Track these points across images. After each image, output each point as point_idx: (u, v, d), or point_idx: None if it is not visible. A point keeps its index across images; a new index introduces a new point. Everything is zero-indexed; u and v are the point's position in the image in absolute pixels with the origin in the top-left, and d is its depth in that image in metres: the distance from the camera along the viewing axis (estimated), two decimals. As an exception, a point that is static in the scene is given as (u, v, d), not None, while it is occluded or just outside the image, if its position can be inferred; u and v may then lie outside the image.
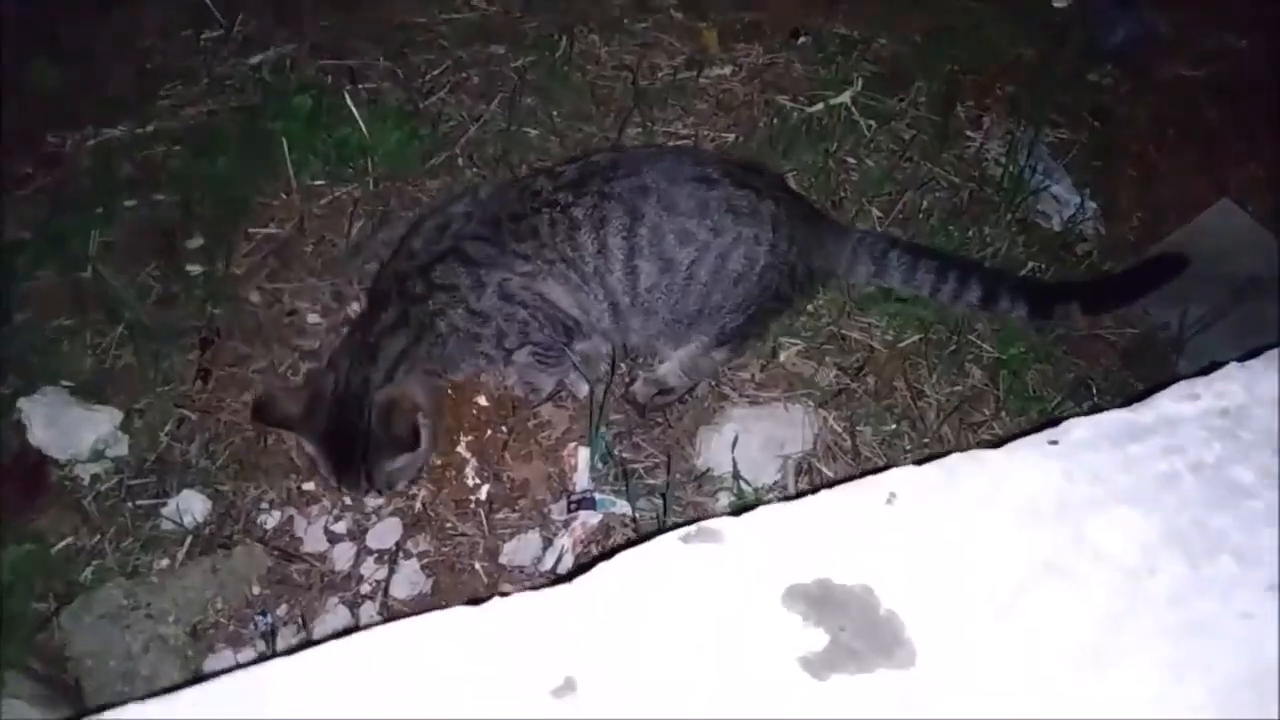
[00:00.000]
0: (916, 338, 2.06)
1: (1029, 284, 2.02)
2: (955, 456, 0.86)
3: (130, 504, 1.77)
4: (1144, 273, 2.03)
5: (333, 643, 0.74)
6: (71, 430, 1.80)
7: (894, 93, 2.47)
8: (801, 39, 2.58)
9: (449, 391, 1.90)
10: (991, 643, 0.70)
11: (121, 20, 2.50)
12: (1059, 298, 1.99)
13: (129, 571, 1.70)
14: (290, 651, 0.76)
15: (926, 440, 1.96)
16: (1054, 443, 0.87)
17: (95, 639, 1.61)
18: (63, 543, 1.72)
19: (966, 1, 2.70)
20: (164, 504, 1.77)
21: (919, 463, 0.87)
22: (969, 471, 0.85)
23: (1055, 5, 2.74)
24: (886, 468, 1.85)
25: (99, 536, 1.73)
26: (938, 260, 1.95)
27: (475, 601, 0.76)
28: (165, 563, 1.72)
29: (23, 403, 1.81)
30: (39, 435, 1.79)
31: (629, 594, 0.76)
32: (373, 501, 1.83)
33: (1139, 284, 2.01)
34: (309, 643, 1.56)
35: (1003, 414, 1.99)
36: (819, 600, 0.72)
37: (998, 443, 0.89)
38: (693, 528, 0.81)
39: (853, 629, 0.70)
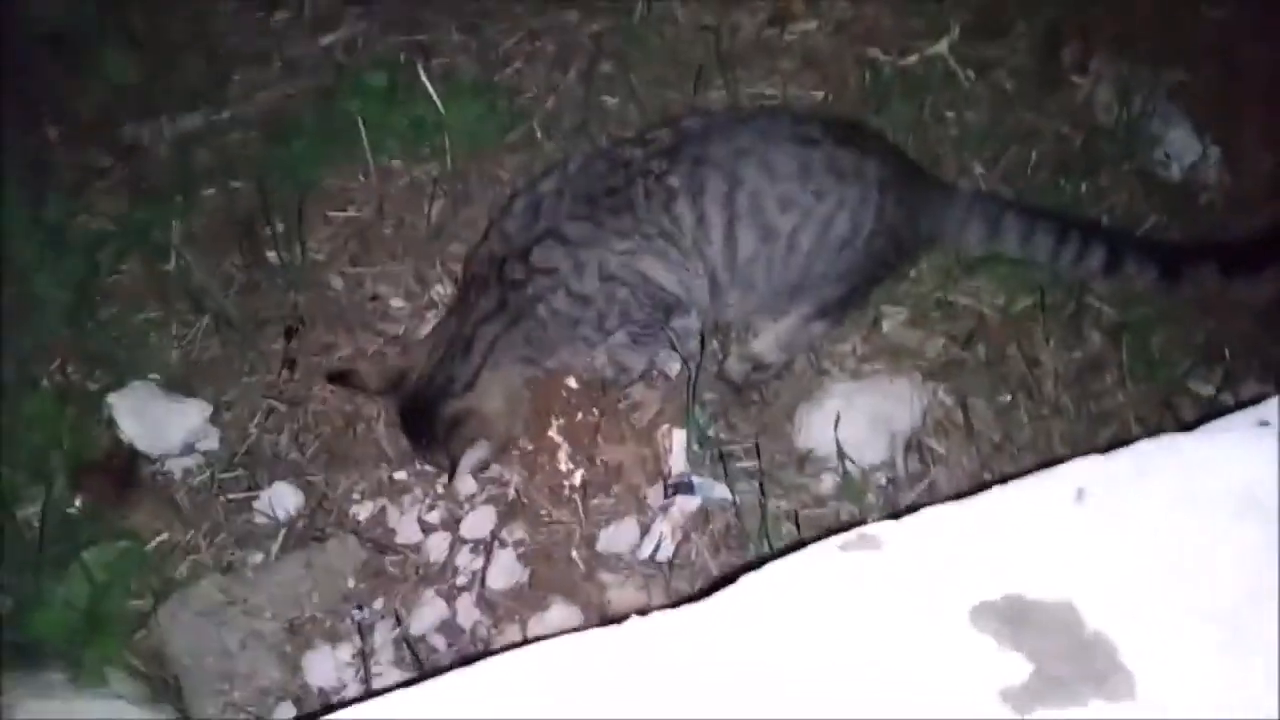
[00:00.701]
0: (1030, 301, 1.92)
1: (1158, 245, 1.87)
2: (1146, 443, 0.75)
3: (223, 498, 1.75)
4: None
5: (458, 672, 0.66)
6: (161, 424, 1.78)
7: (993, 39, 2.31)
8: (891, -12, 2.43)
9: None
10: (1224, 666, 0.60)
11: (191, 6, 2.46)
12: (1193, 259, 1.83)
13: (224, 567, 1.67)
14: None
15: (1045, 412, 1.83)
16: (1264, 423, 0.75)
17: (193, 636, 1.59)
18: (157, 539, 1.70)
19: (1067, -62, 2.52)
20: (256, 497, 1.74)
21: (1105, 450, 0.76)
22: (1165, 460, 0.73)
23: (1166, -63, 2.54)
24: (1002, 443, 1.75)
25: (193, 532, 1.71)
26: (1057, 222, 1.81)
27: (607, 620, 0.68)
28: (260, 557, 1.69)
29: (112, 398, 1.80)
30: (129, 430, 1.77)
31: (781, 612, 0.67)
32: (465, 490, 1.77)
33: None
34: (406, 640, 1.54)
35: (1127, 382, 1.86)
36: (1013, 619, 0.62)
37: (1188, 425, 0.77)
38: (851, 534, 0.72)
39: (1055, 653, 0.60)
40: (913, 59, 2.25)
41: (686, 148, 1.65)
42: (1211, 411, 1.69)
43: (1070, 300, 1.92)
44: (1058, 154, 2.12)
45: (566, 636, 0.69)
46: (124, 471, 1.76)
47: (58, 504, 1.69)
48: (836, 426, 1.74)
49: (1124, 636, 0.61)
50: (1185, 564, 0.65)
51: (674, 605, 0.72)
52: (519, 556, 1.71)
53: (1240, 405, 1.78)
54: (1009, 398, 1.85)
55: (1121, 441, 0.79)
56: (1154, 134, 2.13)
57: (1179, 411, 1.83)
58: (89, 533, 1.67)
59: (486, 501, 1.77)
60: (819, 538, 0.73)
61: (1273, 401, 0.78)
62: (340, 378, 1.78)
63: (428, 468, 1.79)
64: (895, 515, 0.75)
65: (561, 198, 1.70)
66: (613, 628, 0.69)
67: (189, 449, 1.78)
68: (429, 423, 1.71)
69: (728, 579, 0.72)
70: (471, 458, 1.70)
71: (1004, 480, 0.76)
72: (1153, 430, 1.77)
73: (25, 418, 1.77)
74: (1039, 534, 0.69)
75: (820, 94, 2.23)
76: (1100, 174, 2.08)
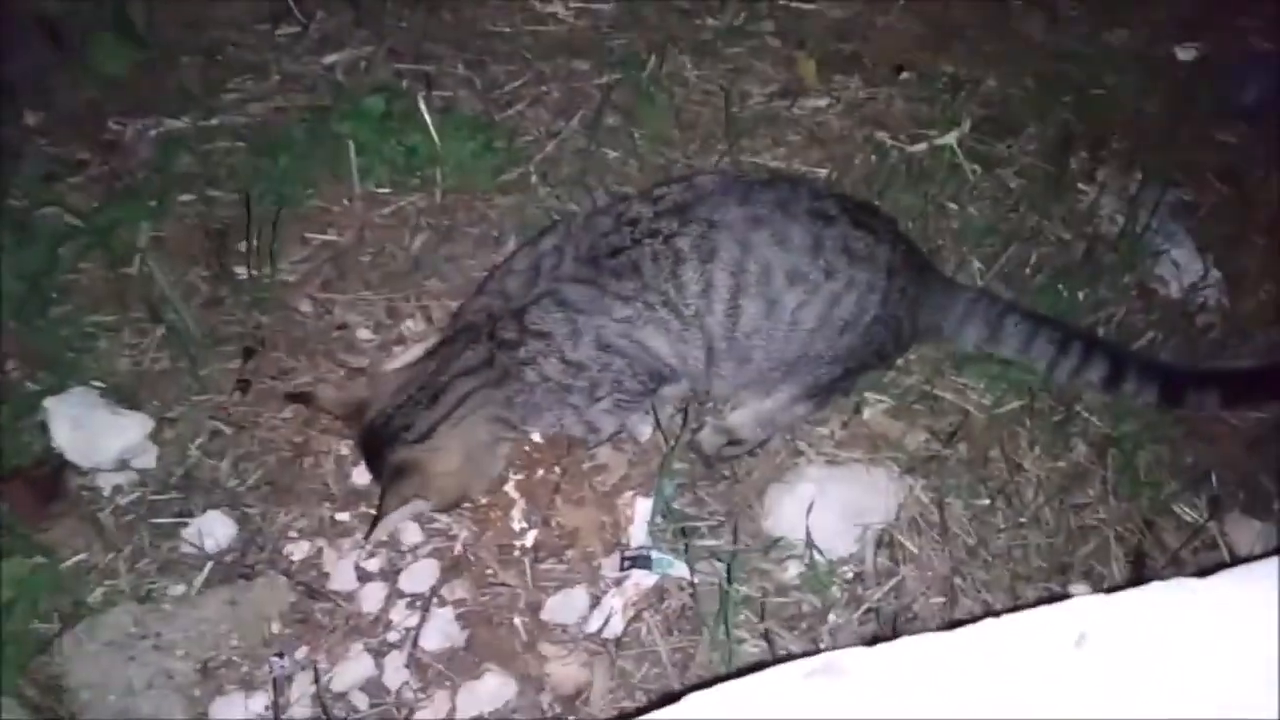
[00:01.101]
0: (1018, 404, 1.86)
1: (1161, 366, 1.82)
2: (1156, 586, 0.67)
3: (150, 521, 1.64)
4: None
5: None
6: (97, 436, 1.68)
7: (1002, 138, 2.29)
8: (905, 75, 2.41)
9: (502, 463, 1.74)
10: None
11: (196, 7, 2.40)
12: (1196, 384, 1.78)
13: (142, 596, 1.56)
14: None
15: (1023, 520, 1.76)
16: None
17: (97, 668, 1.47)
18: (74, 558, 1.59)
19: (1084, 48, 2.52)
20: (186, 524, 1.63)
21: (1109, 591, 0.68)
22: (1177, 605, 0.65)
23: (1180, 57, 2.55)
24: (976, 548, 1.68)
25: (113, 555, 1.60)
26: (1060, 331, 1.76)
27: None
28: (181, 589, 1.58)
29: (49, 402, 1.69)
30: (62, 438, 1.67)
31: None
32: (410, 539, 1.67)
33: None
34: (322, 700, 1.42)
35: (1110, 498, 1.79)
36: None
37: (1203, 571, 0.70)
38: (818, 660, 0.63)
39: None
40: (921, 147, 2.21)
41: (698, 208, 1.58)
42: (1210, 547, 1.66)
43: (1059, 408, 1.85)
44: (1058, 258, 2.08)
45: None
46: (50, 482, 1.65)
47: (-28, 509, 1.57)
48: (808, 514, 1.65)
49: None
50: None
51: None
52: (458, 617, 1.61)
53: (1223, 535, 1.75)
54: (988, 501, 1.77)
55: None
56: (1156, 249, 2.09)
57: (1160, 535, 1.77)
58: (3, 544, 1.55)
59: (430, 554, 1.67)
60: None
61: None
62: (299, 398, 1.70)
63: (373, 510, 1.69)
64: (871, 641, 0.67)
65: (563, 256, 1.62)
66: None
67: (123, 465, 1.68)
68: (378, 461, 1.61)
69: (670, 697, 0.62)
70: (396, 516, 1.58)
71: (996, 614, 0.67)
72: (1130, 551, 1.73)
73: (-46, 415, 1.66)
74: (1034, 679, 0.60)
75: (825, 171, 2.19)
76: (1099, 283, 2.04)
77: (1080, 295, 2.01)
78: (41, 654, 1.48)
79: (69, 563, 1.58)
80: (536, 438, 1.79)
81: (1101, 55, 2.52)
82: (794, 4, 2.55)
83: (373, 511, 1.68)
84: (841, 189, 2.13)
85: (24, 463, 1.66)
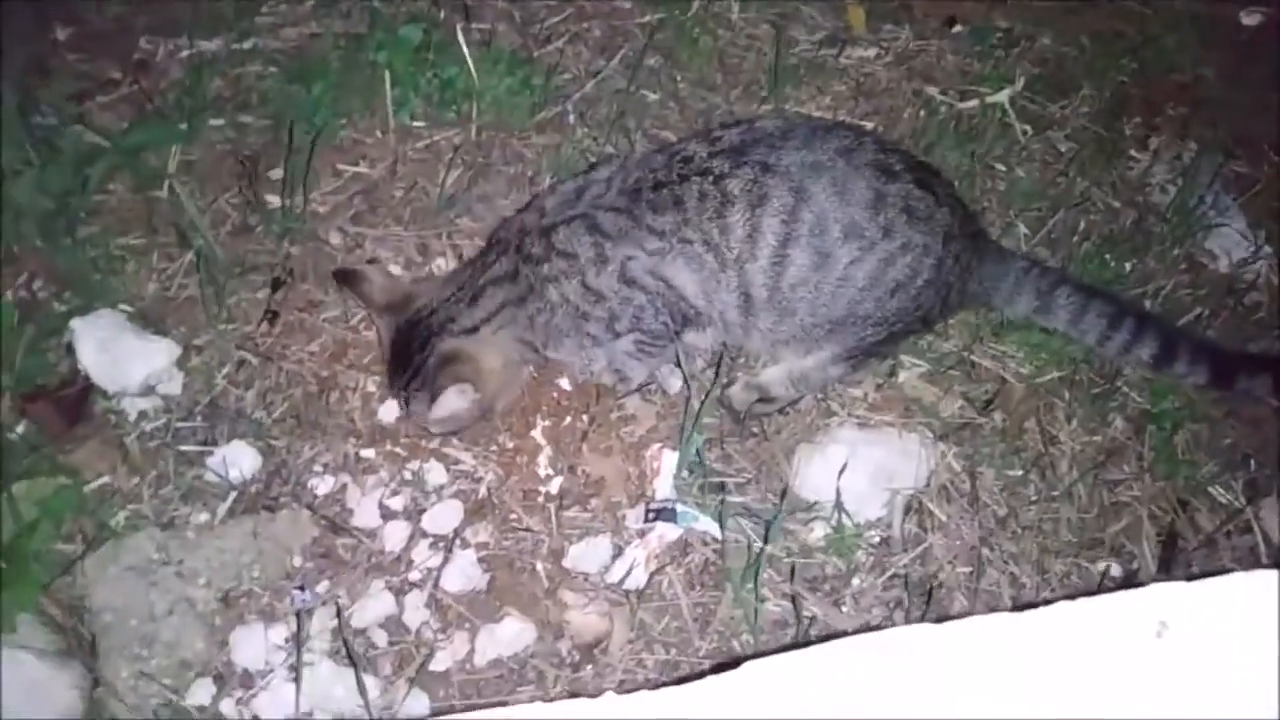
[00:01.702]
0: (1056, 375, 1.83)
1: (1213, 348, 1.77)
2: (1238, 575, 0.64)
3: (175, 448, 1.62)
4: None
5: None
6: (124, 360, 1.66)
7: (1055, 99, 2.21)
8: (957, 28, 2.34)
9: (534, 372, 1.73)
10: None
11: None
12: (1246, 368, 1.74)
13: (164, 522, 1.56)
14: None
15: (1055, 494, 1.73)
16: None
17: (119, 592, 1.47)
18: (98, 481, 1.58)
19: (1143, 8, 2.43)
20: (210, 453, 1.62)
21: (1189, 579, 0.65)
22: (1259, 595, 0.62)
23: (1244, 22, 2.45)
24: (1007, 519, 1.65)
25: (137, 479, 1.59)
26: (1113, 306, 1.71)
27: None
28: (204, 518, 1.57)
29: (76, 323, 1.68)
30: (88, 360, 1.65)
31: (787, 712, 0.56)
32: (435, 479, 1.66)
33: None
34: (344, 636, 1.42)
35: (1145, 475, 1.76)
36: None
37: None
38: (886, 634, 0.60)
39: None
40: (971, 104, 2.14)
41: (755, 151, 1.53)
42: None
43: (1100, 381, 1.81)
44: (1106, 226, 2.03)
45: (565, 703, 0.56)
46: (75, 403, 1.64)
47: (3, 428, 1.56)
48: (840, 475, 1.63)
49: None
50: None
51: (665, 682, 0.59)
52: (480, 559, 1.60)
53: (1257, 519, 1.71)
54: (1021, 472, 1.75)
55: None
56: (1208, 223, 2.03)
57: (1194, 516, 1.74)
58: (28, 462, 1.54)
59: (454, 495, 1.65)
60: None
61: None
62: (347, 277, 1.68)
63: (398, 449, 1.68)
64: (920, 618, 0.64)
65: (609, 186, 1.59)
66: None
67: (148, 390, 1.66)
68: (421, 353, 1.59)
69: (726, 665, 0.60)
70: (453, 398, 1.58)
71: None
72: (1163, 531, 1.70)
73: (-19, 331, 1.65)
74: (1115, 671, 0.57)
75: (871, 125, 2.13)
76: (1148, 255, 1.98)
77: (1127, 266, 1.96)
78: (64, 575, 1.47)
79: (93, 485, 1.58)
80: (565, 384, 1.77)
81: (1162, 16, 2.42)
82: (846, -52, 2.46)
83: (398, 451, 1.68)
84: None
85: (50, 383, 1.65)
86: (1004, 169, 2.09)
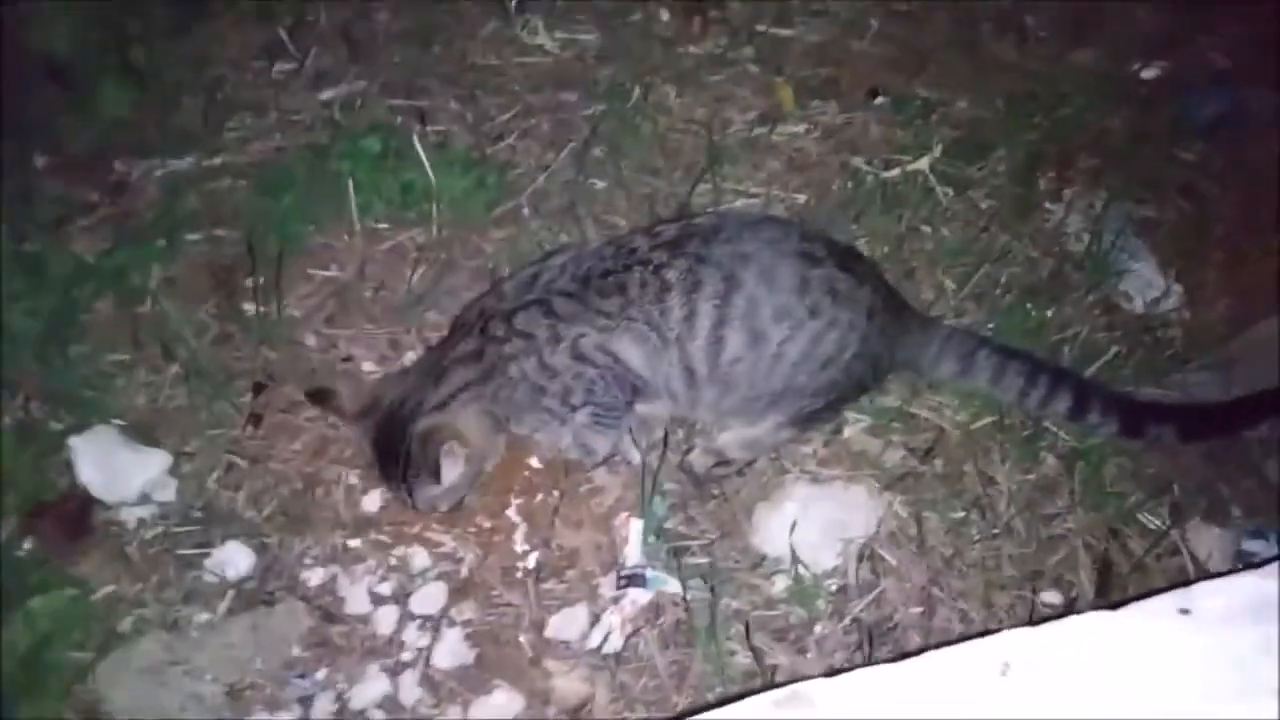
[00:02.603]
0: (989, 420, 1.97)
1: (1122, 400, 1.91)
2: (1073, 620, 0.78)
3: (174, 552, 1.73)
4: (1249, 407, 1.91)
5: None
6: (120, 472, 1.77)
7: (973, 160, 2.38)
8: (879, 99, 2.51)
9: (502, 448, 1.85)
10: None
11: (195, 45, 2.49)
12: (1153, 418, 1.89)
13: (169, 624, 1.66)
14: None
15: (996, 531, 1.87)
16: (1185, 611, 0.79)
17: (133, 695, 1.57)
18: (104, 590, 1.69)
19: (1052, 68, 2.62)
20: (208, 554, 1.73)
21: (1032, 624, 0.79)
22: (1091, 638, 0.76)
23: (1143, 76, 2.65)
24: (953, 559, 1.78)
25: (141, 585, 1.70)
26: (1028, 364, 1.86)
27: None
28: (206, 616, 1.68)
29: (73, 440, 1.79)
30: (87, 475, 1.76)
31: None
32: (419, 563, 1.78)
33: (1243, 418, 1.91)
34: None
35: (1078, 508, 1.90)
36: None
37: (1114, 605, 0.81)
38: (784, 692, 0.74)
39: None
40: (895, 172, 2.31)
41: (691, 243, 1.69)
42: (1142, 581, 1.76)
43: (1029, 423, 1.96)
44: (1027, 277, 2.18)
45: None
46: (77, 517, 1.74)
47: (7, 546, 1.66)
48: (792, 531, 1.76)
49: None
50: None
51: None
52: (467, 636, 1.71)
53: (1184, 541, 1.86)
54: (963, 514, 1.88)
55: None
56: (1120, 267, 2.20)
57: (1126, 541, 1.88)
58: (37, 577, 1.64)
59: (438, 577, 1.77)
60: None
61: (1195, 589, 0.82)
62: (319, 396, 1.80)
63: (383, 537, 1.80)
64: (830, 673, 0.77)
65: (563, 273, 1.75)
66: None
67: (145, 499, 1.78)
68: (402, 443, 1.70)
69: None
70: (450, 464, 1.69)
71: (936, 646, 0.78)
72: (1098, 559, 1.84)
73: (-16, 455, 1.76)
74: (964, 705, 0.71)
75: (803, 197, 2.29)
76: (1066, 301, 2.14)
77: (1048, 313, 2.12)
78: (79, 682, 1.57)
79: (99, 594, 1.68)
80: (536, 463, 1.89)
81: (1069, 75, 2.62)
82: (772, 30, 2.65)
83: (383, 539, 1.79)
84: (819, 214, 2.24)
85: (51, 499, 1.75)
86: (929, 229, 2.25)
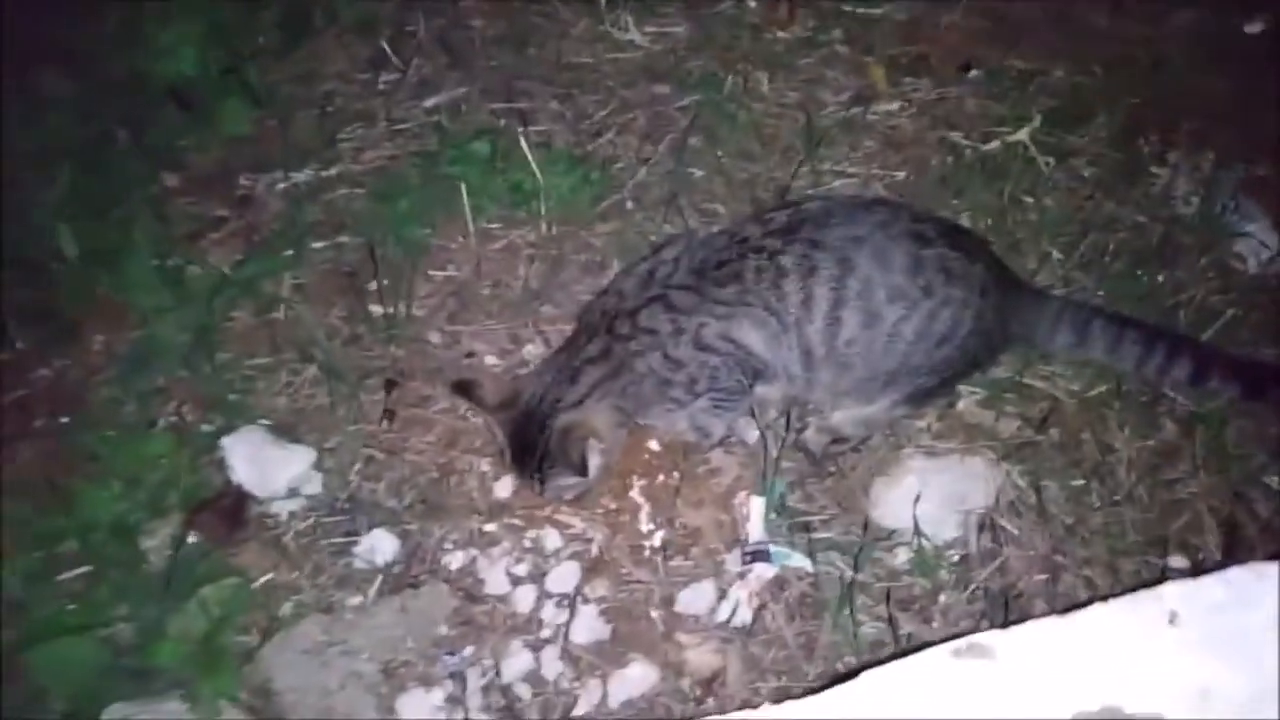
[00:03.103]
0: (1105, 388, 1.98)
1: (1244, 363, 1.90)
2: (1237, 570, 0.81)
3: (325, 541, 1.84)
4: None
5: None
6: (269, 468, 1.89)
7: (1074, 128, 2.38)
8: (973, 73, 2.52)
9: (628, 433, 1.92)
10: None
11: (303, 62, 2.60)
12: (1275, 379, 1.88)
13: (325, 608, 1.76)
14: None
15: (1117, 498, 1.88)
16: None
17: (296, 674, 1.68)
18: (263, 578, 1.80)
19: (1150, 30, 2.59)
20: (355, 542, 1.83)
21: (1196, 574, 0.82)
22: (1255, 588, 0.80)
23: (1247, 30, 2.60)
24: (1075, 526, 1.80)
25: (296, 573, 1.81)
26: (1145, 332, 1.87)
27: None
28: (358, 600, 1.78)
29: (225, 441, 1.91)
30: (240, 473, 1.88)
31: (900, 709, 0.74)
32: (551, 544, 1.85)
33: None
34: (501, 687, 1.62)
35: (1199, 472, 1.90)
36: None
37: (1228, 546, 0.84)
38: (963, 642, 0.79)
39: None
40: (994, 145, 2.32)
41: (803, 229, 1.74)
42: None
43: (1146, 389, 1.96)
44: (1135, 243, 2.18)
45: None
46: (233, 512, 1.86)
47: (175, 540, 1.79)
48: (916, 503, 1.80)
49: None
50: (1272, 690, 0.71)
51: (796, 695, 0.78)
52: (601, 613, 1.79)
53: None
54: (1082, 482, 1.90)
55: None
56: (1232, 228, 2.18)
57: (1252, 504, 1.87)
58: (203, 568, 1.77)
59: (571, 557, 1.85)
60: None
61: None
62: (462, 388, 1.88)
63: (516, 520, 1.88)
64: (1004, 624, 0.81)
65: (677, 266, 1.80)
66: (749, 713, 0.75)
67: (294, 493, 1.89)
68: (542, 435, 1.78)
69: (848, 675, 0.78)
70: (595, 456, 1.78)
71: (1104, 598, 0.82)
72: (1223, 522, 1.84)
73: (146, 456, 1.88)
74: (1136, 653, 0.75)
75: (902, 174, 2.31)
76: (1177, 265, 2.13)
77: (1160, 278, 2.11)
78: (247, 664, 1.68)
79: (259, 582, 1.79)
80: (655, 445, 1.96)
81: (1169, 35, 2.58)
82: (860, 10, 2.66)
83: (516, 522, 1.88)
84: (919, 191, 2.27)
85: (209, 496, 1.88)
86: (1032, 200, 2.25)
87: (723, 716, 0.78)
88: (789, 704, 0.78)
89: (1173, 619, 0.78)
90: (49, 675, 1.65)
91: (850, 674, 0.83)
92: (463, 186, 2.20)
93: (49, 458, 1.95)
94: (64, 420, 2.02)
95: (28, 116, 2.33)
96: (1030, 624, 0.81)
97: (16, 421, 2.02)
